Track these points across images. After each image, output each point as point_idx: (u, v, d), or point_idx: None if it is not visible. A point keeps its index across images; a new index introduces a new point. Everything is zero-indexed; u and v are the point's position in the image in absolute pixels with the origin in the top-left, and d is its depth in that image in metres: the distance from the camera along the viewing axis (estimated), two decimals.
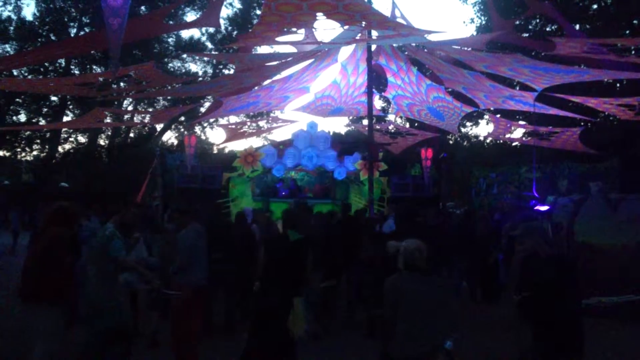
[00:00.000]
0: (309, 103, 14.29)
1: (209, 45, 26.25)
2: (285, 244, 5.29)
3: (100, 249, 4.78)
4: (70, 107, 24.61)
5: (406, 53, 12.01)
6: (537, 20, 19.57)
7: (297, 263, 5.22)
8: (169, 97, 23.71)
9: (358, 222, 9.11)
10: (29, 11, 74.09)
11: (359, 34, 10.21)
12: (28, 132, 23.98)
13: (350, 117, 23.60)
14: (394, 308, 4.03)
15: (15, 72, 19.90)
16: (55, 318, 4.63)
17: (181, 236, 6.34)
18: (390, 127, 17.40)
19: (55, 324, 4.63)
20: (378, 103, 21.13)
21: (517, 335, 6.76)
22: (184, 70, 26.18)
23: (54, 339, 4.63)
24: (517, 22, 17.06)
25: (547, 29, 19.05)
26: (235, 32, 24.92)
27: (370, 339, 7.28)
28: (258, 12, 24.23)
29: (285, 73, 11.61)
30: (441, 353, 3.86)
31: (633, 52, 8.49)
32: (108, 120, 15.26)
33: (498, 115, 15.60)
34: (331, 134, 19.20)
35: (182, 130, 27.32)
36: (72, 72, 22.61)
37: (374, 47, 11.13)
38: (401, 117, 22.62)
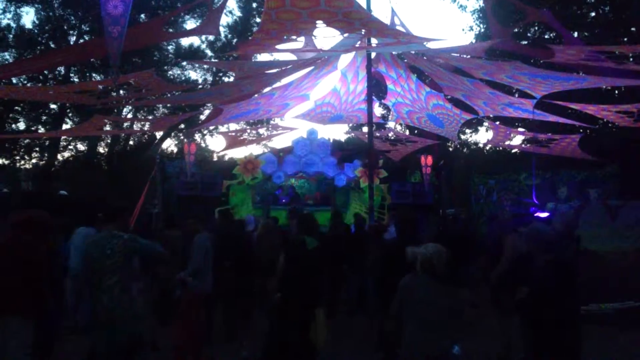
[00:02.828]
0: (308, 110, 14.32)
1: (209, 52, 26.30)
2: (304, 252, 5.16)
3: (123, 256, 4.77)
4: (70, 115, 24.60)
5: (405, 60, 12.05)
6: (536, 28, 19.63)
7: (317, 272, 5.12)
8: (168, 105, 23.73)
9: (363, 231, 9.16)
10: (29, 19, 74.34)
11: (359, 42, 10.24)
12: (27, 140, 23.97)
13: (350, 125, 23.61)
14: (402, 306, 4.08)
15: (14, 80, 19.92)
16: (29, 331, 4.60)
17: (198, 240, 6.53)
18: (390, 134, 17.43)
19: (29, 337, 4.60)
20: (378, 110, 21.15)
21: (518, 339, 6.78)
22: (183, 78, 26.18)
23: (28, 352, 4.59)
24: (516, 30, 17.11)
25: (546, 37, 19.11)
26: (235, 40, 24.95)
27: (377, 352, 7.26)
28: (258, 20, 24.31)
29: (285, 80, 11.63)
30: (450, 357, 3.90)
31: (631, 59, 8.48)
32: (107, 128, 15.25)
33: (497, 123, 15.62)
34: (331, 141, 19.21)
35: (182, 137, 27.30)
36: (72, 79, 22.61)
37: (373, 54, 11.16)
38: (401, 125, 22.65)
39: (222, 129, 23.37)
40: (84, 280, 5.40)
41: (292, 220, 9.14)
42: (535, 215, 10.50)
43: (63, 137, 25.11)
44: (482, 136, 49.80)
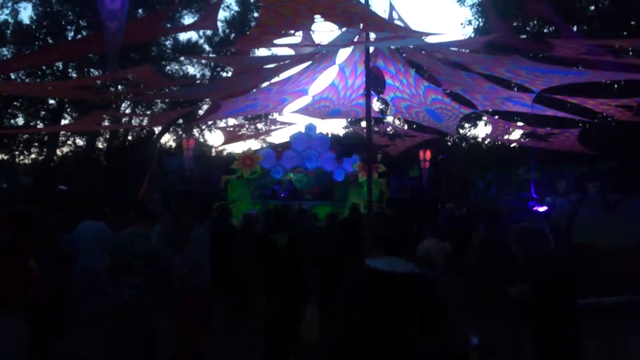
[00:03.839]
0: (307, 105, 14.29)
1: (207, 47, 26.25)
2: (275, 253, 5.09)
3: (150, 258, 4.81)
4: (68, 110, 24.56)
5: (404, 55, 12.02)
6: (535, 22, 19.60)
7: (295, 270, 5.04)
8: (167, 100, 23.69)
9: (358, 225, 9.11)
10: (26, 15, 74.14)
11: (357, 36, 10.22)
12: (26, 136, 23.94)
13: (349, 119, 23.63)
14: None
15: (12, 76, 19.89)
16: (17, 327, 4.56)
17: (196, 235, 6.54)
18: (388, 129, 17.41)
19: (18, 331, 4.56)
20: (376, 105, 21.14)
21: (514, 334, 6.81)
22: (181, 73, 26.15)
23: (17, 351, 4.55)
24: (515, 24, 17.08)
25: (545, 31, 19.08)
26: (232, 35, 24.90)
27: None
28: (256, 14, 24.24)
29: (283, 75, 11.61)
30: (474, 350, 3.90)
31: (631, 53, 8.49)
32: (106, 123, 15.24)
33: (496, 117, 15.60)
34: (329, 135, 19.20)
35: (181, 133, 27.28)
36: (70, 75, 22.57)
37: (371, 49, 11.13)
38: (399, 119, 22.63)
39: (221, 124, 23.33)
40: (106, 273, 5.43)
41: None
42: (534, 209, 10.51)
43: (62, 133, 25.09)
44: (481, 130, 49.80)
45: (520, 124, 17.03)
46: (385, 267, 3.00)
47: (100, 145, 27.64)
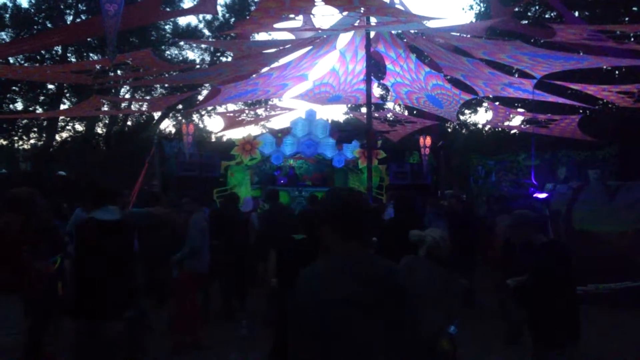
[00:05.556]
0: (307, 91, 14.23)
1: (207, 32, 26.12)
2: (294, 243, 5.05)
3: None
4: (68, 95, 24.47)
5: (405, 40, 11.95)
6: (537, 7, 19.47)
7: (309, 258, 4.94)
8: (166, 85, 23.58)
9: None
10: None
11: (358, 21, 10.15)
12: (25, 121, 23.88)
13: (349, 105, 23.54)
14: None
15: (11, 60, 19.80)
16: (16, 310, 4.51)
17: (194, 220, 6.57)
18: (388, 115, 17.37)
19: (16, 316, 4.52)
20: (377, 91, 21.05)
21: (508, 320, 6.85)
22: (181, 58, 26.05)
23: (13, 332, 4.51)
24: (516, 9, 16.97)
25: (547, 16, 18.96)
26: (232, 19, 24.76)
27: None
28: None
29: (284, 60, 11.55)
30: (445, 337, 3.89)
31: (632, 39, 8.45)
32: (105, 108, 15.18)
33: (497, 103, 15.55)
34: (330, 121, 19.11)
35: (180, 118, 27.21)
36: (69, 59, 22.46)
37: (372, 34, 11.07)
38: (400, 105, 22.56)
39: (220, 109, 23.29)
40: None
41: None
42: (534, 196, 10.51)
43: (61, 118, 25.04)
44: (482, 117, 49.68)
45: (520, 110, 17.00)
46: (101, 216, 4.40)
47: (99, 130, 27.61)
